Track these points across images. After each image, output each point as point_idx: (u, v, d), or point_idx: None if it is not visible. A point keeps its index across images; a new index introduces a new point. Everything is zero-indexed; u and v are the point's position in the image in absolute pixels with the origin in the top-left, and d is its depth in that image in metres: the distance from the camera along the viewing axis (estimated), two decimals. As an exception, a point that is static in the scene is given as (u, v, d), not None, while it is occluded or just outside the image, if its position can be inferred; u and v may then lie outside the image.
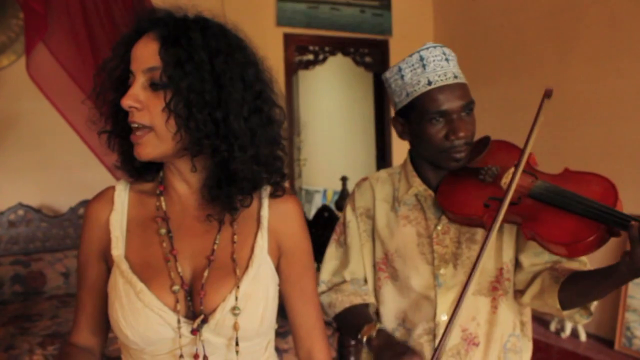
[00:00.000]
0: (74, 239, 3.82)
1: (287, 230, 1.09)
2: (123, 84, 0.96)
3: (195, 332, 0.96)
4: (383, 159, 5.18)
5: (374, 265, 1.42)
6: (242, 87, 0.94)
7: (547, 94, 1.21)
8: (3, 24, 3.88)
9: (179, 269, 0.99)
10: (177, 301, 0.96)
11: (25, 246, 3.71)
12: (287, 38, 4.64)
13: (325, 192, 6.62)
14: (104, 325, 1.09)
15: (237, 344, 0.98)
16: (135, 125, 0.94)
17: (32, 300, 3.38)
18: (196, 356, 0.97)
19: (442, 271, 1.31)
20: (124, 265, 0.99)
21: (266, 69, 1.02)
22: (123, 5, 2.83)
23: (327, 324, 2.84)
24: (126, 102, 0.92)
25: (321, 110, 6.74)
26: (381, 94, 5.19)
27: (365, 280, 1.44)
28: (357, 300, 1.38)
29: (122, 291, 0.97)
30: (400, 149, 5.11)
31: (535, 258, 1.28)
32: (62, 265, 3.57)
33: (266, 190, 1.09)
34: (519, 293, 1.31)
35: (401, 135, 1.37)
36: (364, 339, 1.23)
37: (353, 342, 2.63)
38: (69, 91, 2.87)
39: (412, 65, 1.28)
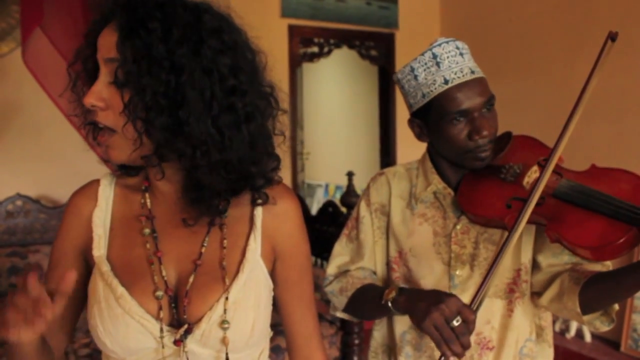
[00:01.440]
0: (73, 231, 3.76)
1: (283, 232, 1.00)
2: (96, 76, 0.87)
3: (178, 342, 0.88)
4: (387, 153, 5.12)
5: (387, 264, 1.37)
6: (209, 82, 0.82)
7: (612, 36, 1.09)
8: (3, 11, 3.82)
9: (163, 273, 0.91)
10: (160, 308, 0.89)
11: (23, 237, 3.65)
12: (292, 29, 4.57)
13: (327, 186, 6.58)
14: (69, 325, 1.00)
15: (227, 358, 0.90)
16: (101, 126, 0.85)
17: (29, 292, 3.33)
18: None
19: (458, 272, 1.25)
20: (105, 267, 0.91)
21: (254, 54, 0.90)
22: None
23: (331, 322, 2.81)
24: (87, 100, 0.82)
25: (325, 104, 6.68)
26: (387, 88, 5.12)
27: (375, 274, 1.39)
28: (369, 281, 1.32)
29: (102, 295, 0.90)
30: (404, 144, 5.06)
31: (554, 259, 1.22)
32: (60, 257, 3.51)
33: (257, 206, 0.99)
34: (536, 295, 1.25)
35: (419, 137, 1.31)
36: (389, 302, 1.14)
37: (357, 342, 2.59)
38: (66, 80, 2.81)
39: (425, 63, 1.21)
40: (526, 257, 1.24)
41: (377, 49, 5.02)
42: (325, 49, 4.82)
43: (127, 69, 0.79)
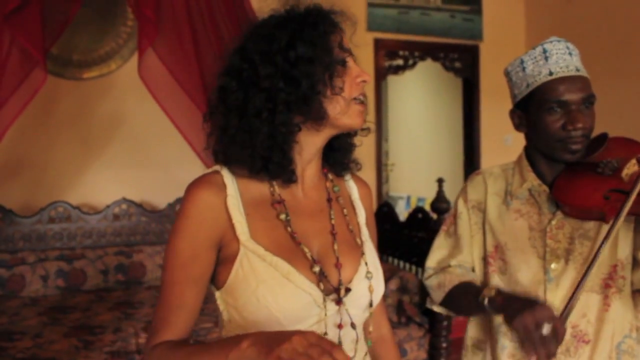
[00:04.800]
0: (171, 234, 4.01)
1: (367, 207, 1.20)
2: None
3: (339, 302, 1.01)
4: (471, 165, 5.10)
5: (483, 259, 1.43)
6: None
7: None
8: (113, 32, 4.16)
9: (306, 250, 1.02)
10: (319, 280, 1.00)
11: (127, 238, 3.95)
12: (378, 43, 4.69)
13: (409, 198, 6.58)
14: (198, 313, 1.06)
15: (371, 305, 1.07)
16: (362, 99, 1.04)
17: (133, 289, 3.60)
18: (340, 326, 1.01)
19: (553, 266, 1.30)
20: (261, 249, 0.99)
21: None
22: (227, 15, 2.97)
23: (419, 325, 2.86)
24: (369, 77, 1.05)
25: (409, 116, 6.73)
26: (470, 99, 5.12)
27: (473, 270, 1.46)
28: (467, 279, 1.40)
29: (266, 275, 0.97)
30: (489, 156, 5.02)
31: None
32: (160, 257, 3.76)
33: (349, 177, 1.19)
34: (638, 293, 1.27)
35: (518, 128, 1.39)
36: (485, 300, 1.23)
37: (445, 345, 2.63)
38: (174, 94, 3.04)
39: (535, 57, 1.30)
40: (623, 253, 1.27)
41: (462, 60, 5.04)
42: (410, 62, 4.89)
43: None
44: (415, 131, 6.69)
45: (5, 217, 3.72)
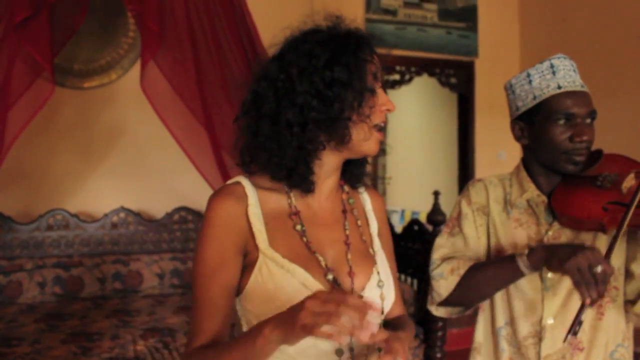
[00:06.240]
0: (168, 243, 4.05)
1: (379, 218, 1.23)
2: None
3: None
4: (465, 180, 5.15)
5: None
6: None
7: None
8: (114, 42, 4.22)
9: (320, 258, 1.06)
10: (332, 287, 1.04)
11: (125, 247, 3.97)
12: (375, 58, 4.75)
13: (403, 212, 6.63)
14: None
15: (382, 312, 1.11)
16: (383, 126, 1.09)
17: (130, 297, 3.62)
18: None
19: (549, 275, 1.35)
20: (279, 257, 1.02)
21: None
22: (229, 30, 3.02)
23: (414, 335, 2.89)
24: (394, 106, 1.09)
25: (405, 130, 6.80)
26: (465, 114, 5.19)
27: None
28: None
29: (283, 282, 1.00)
30: (483, 170, 5.08)
31: None
32: (157, 266, 3.80)
33: (363, 189, 1.23)
34: (629, 304, 1.32)
35: (518, 139, 1.43)
36: (524, 256, 1.25)
37: (439, 355, 2.67)
38: (173, 106, 3.08)
39: (542, 71, 1.36)
40: (615, 264, 1.32)
41: (457, 76, 5.12)
42: (407, 77, 4.97)
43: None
44: (410, 145, 6.76)
45: (3, 224, 3.75)
